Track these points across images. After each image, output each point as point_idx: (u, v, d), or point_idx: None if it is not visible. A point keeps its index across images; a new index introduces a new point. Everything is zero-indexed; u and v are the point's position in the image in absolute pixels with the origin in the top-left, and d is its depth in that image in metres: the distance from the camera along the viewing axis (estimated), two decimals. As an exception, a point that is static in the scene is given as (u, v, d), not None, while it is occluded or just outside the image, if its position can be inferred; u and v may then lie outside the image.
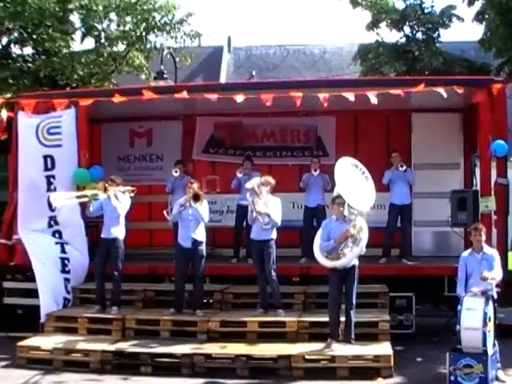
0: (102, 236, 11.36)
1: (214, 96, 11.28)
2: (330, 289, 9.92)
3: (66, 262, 11.90)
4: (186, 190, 11.19)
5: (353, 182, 9.86)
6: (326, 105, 11.00)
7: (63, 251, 11.94)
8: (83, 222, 12.11)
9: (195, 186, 10.94)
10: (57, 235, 12.01)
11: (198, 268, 10.95)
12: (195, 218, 10.94)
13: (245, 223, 13.20)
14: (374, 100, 10.89)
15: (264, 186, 10.75)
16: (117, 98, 11.53)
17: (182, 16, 20.79)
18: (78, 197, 11.42)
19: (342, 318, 9.79)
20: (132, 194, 11.51)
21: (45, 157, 12.05)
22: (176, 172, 13.12)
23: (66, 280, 11.83)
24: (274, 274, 10.70)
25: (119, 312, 11.01)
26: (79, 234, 12.11)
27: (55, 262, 11.83)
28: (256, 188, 10.69)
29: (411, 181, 12.83)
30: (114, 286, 11.23)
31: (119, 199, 11.31)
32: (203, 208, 10.98)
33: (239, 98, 11.18)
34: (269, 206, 10.68)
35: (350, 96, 11.00)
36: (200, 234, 11.03)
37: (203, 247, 11.05)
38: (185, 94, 11.34)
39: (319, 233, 9.98)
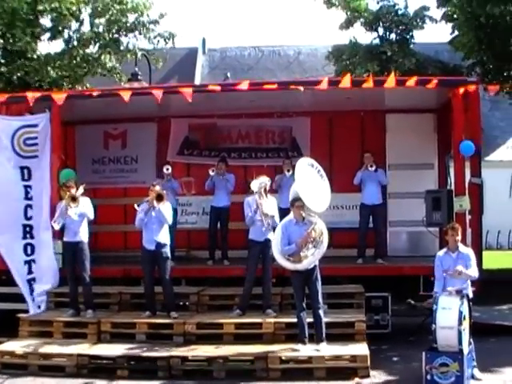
0: (67, 240, 11.29)
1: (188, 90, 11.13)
2: (294, 291, 9.90)
3: (32, 282, 11.91)
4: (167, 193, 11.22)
5: (310, 183, 9.80)
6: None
7: (30, 271, 11.97)
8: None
9: (157, 187, 10.92)
10: (29, 250, 12.00)
11: (164, 270, 10.89)
12: (159, 221, 10.89)
13: (219, 225, 13.22)
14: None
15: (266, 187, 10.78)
16: (93, 92, 11.39)
17: (154, 17, 20.77)
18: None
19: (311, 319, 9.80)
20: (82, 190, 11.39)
21: (21, 168, 12.10)
22: (167, 169, 13.14)
23: (32, 280, 11.89)
24: (270, 275, 10.77)
25: (95, 315, 10.94)
26: (48, 240, 12.02)
27: (24, 285, 11.88)
28: (262, 190, 10.67)
29: (383, 181, 12.88)
30: (84, 289, 11.17)
31: (84, 203, 11.29)
32: (166, 210, 10.95)
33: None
34: (271, 207, 10.71)
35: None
36: (163, 237, 10.96)
37: (167, 249, 10.98)
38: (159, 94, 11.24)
39: (278, 235, 9.86)
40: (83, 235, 11.27)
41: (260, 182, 10.77)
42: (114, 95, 11.50)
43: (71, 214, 11.14)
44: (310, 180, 9.82)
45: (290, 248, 9.65)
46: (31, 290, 11.85)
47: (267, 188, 10.87)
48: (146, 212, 10.88)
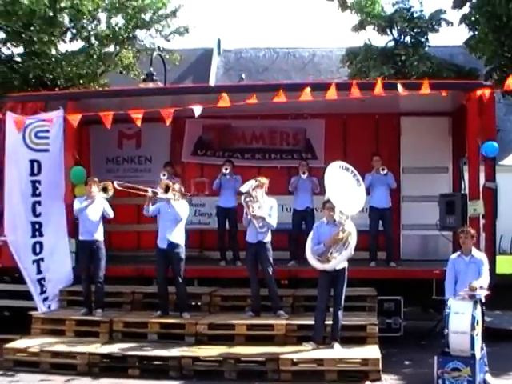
0: (83, 239, 11.30)
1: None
2: (318, 290, 9.94)
3: (43, 282, 11.87)
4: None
5: (343, 185, 9.87)
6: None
7: (39, 271, 11.90)
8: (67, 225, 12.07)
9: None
10: (37, 248, 11.95)
11: (177, 271, 10.86)
12: (173, 218, 10.85)
13: (227, 225, 13.21)
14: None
15: (259, 188, 10.72)
16: (105, 115, 11.24)
17: (170, 11, 20.93)
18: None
19: (329, 322, 9.82)
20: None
21: (31, 161, 12.00)
22: (164, 175, 13.03)
23: (45, 299, 11.83)
24: (272, 275, 10.71)
25: (105, 314, 10.96)
26: (62, 238, 12.04)
27: (33, 285, 11.84)
28: (251, 191, 10.65)
29: (392, 184, 12.84)
30: (96, 288, 11.17)
31: (104, 202, 11.34)
32: (181, 206, 10.93)
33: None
34: (264, 209, 10.65)
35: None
36: (177, 236, 10.90)
37: (180, 250, 10.91)
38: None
39: (311, 235, 10.02)
40: (99, 234, 11.29)
41: (247, 184, 10.78)
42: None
43: (90, 211, 11.17)
44: (341, 182, 9.89)
45: (318, 248, 9.77)
46: (41, 290, 11.83)
47: (262, 189, 10.78)
48: (152, 203, 10.89)
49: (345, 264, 9.84)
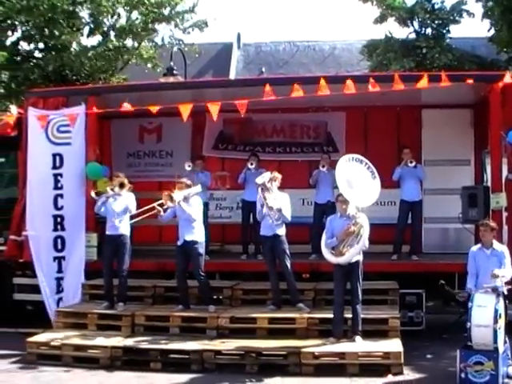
0: (109, 233, 11.35)
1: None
2: (334, 284, 9.96)
3: (61, 281, 11.95)
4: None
5: (355, 178, 9.80)
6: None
7: (59, 270, 11.99)
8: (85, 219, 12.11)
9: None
10: (59, 244, 12.00)
11: (197, 267, 10.87)
12: (185, 217, 10.90)
13: (252, 219, 13.22)
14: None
15: (273, 181, 10.72)
16: (124, 108, 11.31)
17: (189, 6, 21.03)
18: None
19: (349, 315, 9.81)
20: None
21: (54, 155, 12.07)
22: (189, 166, 13.10)
23: (60, 299, 11.89)
24: (290, 269, 10.68)
25: (127, 308, 11.01)
26: (80, 232, 12.09)
27: (51, 283, 11.93)
28: (267, 183, 10.64)
29: (421, 177, 12.76)
30: (120, 282, 11.22)
31: (128, 197, 11.39)
32: (190, 206, 10.94)
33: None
34: (280, 201, 10.63)
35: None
36: (192, 234, 10.90)
37: (199, 246, 10.93)
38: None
39: (325, 229, 10.03)
40: (125, 229, 11.33)
41: (262, 176, 10.74)
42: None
43: (115, 205, 11.23)
44: (353, 175, 9.82)
45: (331, 241, 9.79)
46: (57, 289, 11.89)
47: (276, 183, 10.75)
48: (164, 211, 10.96)
49: (359, 257, 9.78)
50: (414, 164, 12.58)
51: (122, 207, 11.29)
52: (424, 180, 12.91)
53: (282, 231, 10.72)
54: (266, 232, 10.81)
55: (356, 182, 9.77)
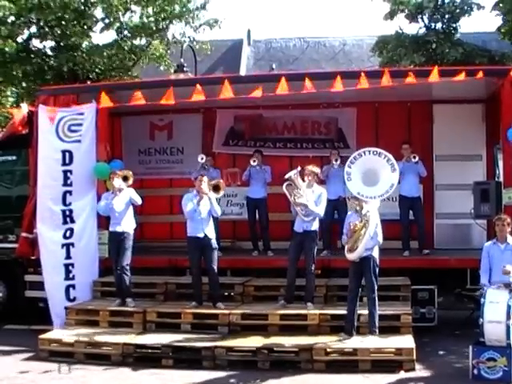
0: (112, 230, 11.40)
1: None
2: (349, 280, 9.95)
3: (71, 267, 11.82)
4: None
5: (365, 173, 9.79)
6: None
7: (68, 257, 11.84)
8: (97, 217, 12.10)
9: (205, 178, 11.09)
10: (68, 233, 11.92)
11: (211, 260, 10.93)
12: (207, 212, 11.05)
13: (257, 215, 13.20)
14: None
15: (307, 176, 10.64)
16: (135, 101, 11.39)
17: (199, 4, 21.02)
18: None
19: (364, 312, 9.79)
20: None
21: (63, 152, 12.01)
22: (202, 159, 13.17)
23: (70, 287, 11.80)
24: (313, 267, 10.63)
25: (138, 305, 11.02)
26: (91, 228, 12.08)
27: (59, 271, 11.80)
28: (293, 177, 10.59)
29: (422, 172, 12.69)
30: (121, 277, 11.21)
31: (130, 192, 11.44)
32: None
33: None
34: (308, 196, 10.53)
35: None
36: (210, 228, 11.05)
37: (214, 240, 11.05)
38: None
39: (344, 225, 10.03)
40: (128, 225, 11.36)
41: (292, 171, 10.66)
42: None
43: (116, 202, 11.24)
44: (364, 169, 9.84)
45: (343, 238, 9.84)
46: (67, 276, 11.78)
47: (309, 177, 10.66)
48: (198, 202, 10.93)
49: (370, 252, 9.72)
50: (416, 159, 12.52)
51: (123, 203, 11.31)
52: (424, 176, 12.84)
53: (312, 227, 10.62)
54: (296, 228, 10.75)
55: (372, 175, 9.76)
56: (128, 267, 11.17)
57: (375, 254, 9.79)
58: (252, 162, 13.06)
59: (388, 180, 9.87)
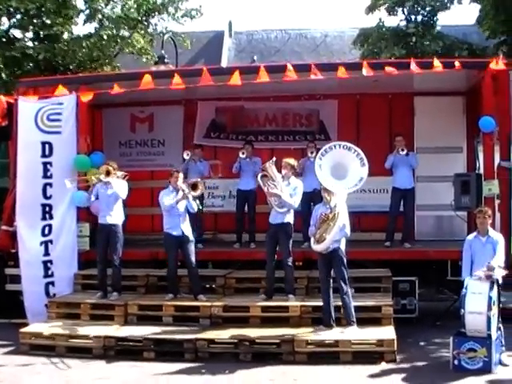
0: (101, 222, 11.32)
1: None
2: (319, 272, 9.95)
3: (49, 264, 11.74)
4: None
5: (335, 165, 9.83)
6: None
7: (46, 253, 11.76)
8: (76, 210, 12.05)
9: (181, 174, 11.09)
10: (46, 230, 11.83)
11: (189, 253, 10.95)
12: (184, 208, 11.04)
13: (246, 208, 13.18)
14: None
15: (283, 168, 10.62)
16: (115, 90, 11.38)
17: None
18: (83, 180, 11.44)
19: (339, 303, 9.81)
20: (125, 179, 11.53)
21: (43, 143, 11.90)
22: (187, 155, 13.13)
23: (50, 284, 11.73)
24: (290, 259, 10.61)
25: (120, 297, 10.99)
26: (70, 222, 11.99)
27: (38, 267, 11.72)
28: (267, 167, 10.57)
29: (414, 164, 12.73)
30: (113, 272, 11.19)
31: (117, 184, 11.32)
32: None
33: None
34: (283, 187, 10.50)
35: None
36: (187, 223, 11.06)
37: (190, 233, 11.07)
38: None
39: (312, 217, 10.02)
40: (117, 218, 11.29)
41: (267, 162, 10.65)
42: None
43: (105, 195, 11.20)
44: (334, 163, 9.84)
45: (311, 229, 9.80)
46: (46, 273, 11.70)
47: (285, 170, 10.66)
48: (176, 198, 10.91)
49: (338, 244, 9.69)
50: (405, 152, 12.54)
51: (112, 196, 11.25)
52: (416, 168, 12.88)
53: (286, 219, 10.60)
54: (270, 219, 10.73)
55: (341, 169, 9.76)
56: (119, 261, 11.15)
57: (342, 246, 9.77)
58: (241, 154, 13.02)
59: (357, 174, 9.87)
